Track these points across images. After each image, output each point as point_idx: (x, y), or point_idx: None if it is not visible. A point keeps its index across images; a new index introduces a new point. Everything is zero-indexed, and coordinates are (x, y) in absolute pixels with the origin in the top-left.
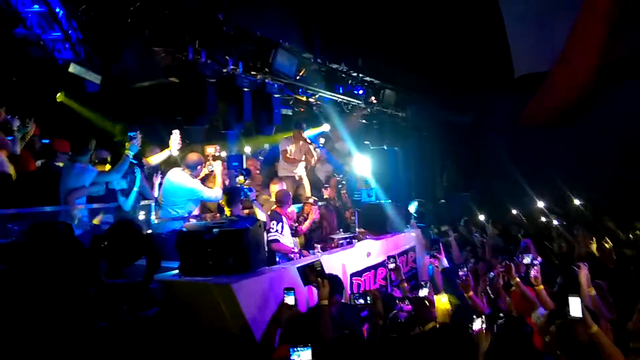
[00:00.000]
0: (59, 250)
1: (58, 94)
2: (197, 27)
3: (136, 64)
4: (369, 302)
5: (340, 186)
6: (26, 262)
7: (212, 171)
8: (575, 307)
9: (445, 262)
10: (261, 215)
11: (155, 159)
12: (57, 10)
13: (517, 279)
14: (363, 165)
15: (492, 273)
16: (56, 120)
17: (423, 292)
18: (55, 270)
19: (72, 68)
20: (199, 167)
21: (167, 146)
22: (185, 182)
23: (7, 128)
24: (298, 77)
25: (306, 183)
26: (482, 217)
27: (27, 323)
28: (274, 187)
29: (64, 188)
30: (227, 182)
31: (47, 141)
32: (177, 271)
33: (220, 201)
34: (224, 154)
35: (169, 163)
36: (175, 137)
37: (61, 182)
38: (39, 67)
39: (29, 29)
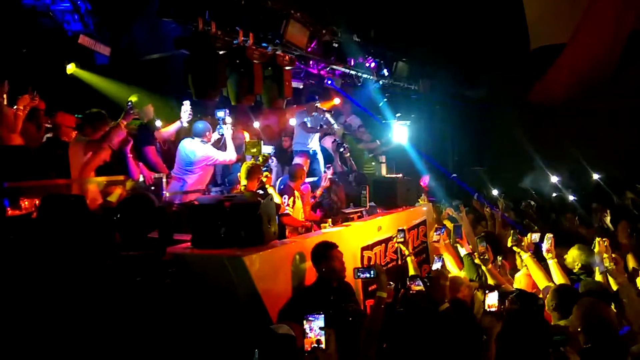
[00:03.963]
0: (72, 222)
1: (69, 66)
2: None
3: (146, 36)
4: (373, 275)
5: (342, 150)
6: (38, 234)
7: (223, 135)
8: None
9: (467, 248)
10: (275, 198)
11: (166, 131)
12: None
13: (529, 253)
14: (401, 135)
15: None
16: (65, 93)
17: (436, 265)
18: (68, 242)
19: (82, 39)
20: (207, 132)
21: (178, 118)
22: (196, 148)
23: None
24: (309, 49)
25: (320, 157)
26: (495, 192)
27: (39, 294)
28: (299, 160)
29: (74, 164)
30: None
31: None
32: (189, 244)
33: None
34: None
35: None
36: (186, 108)
37: (70, 158)
38: (48, 37)
39: None
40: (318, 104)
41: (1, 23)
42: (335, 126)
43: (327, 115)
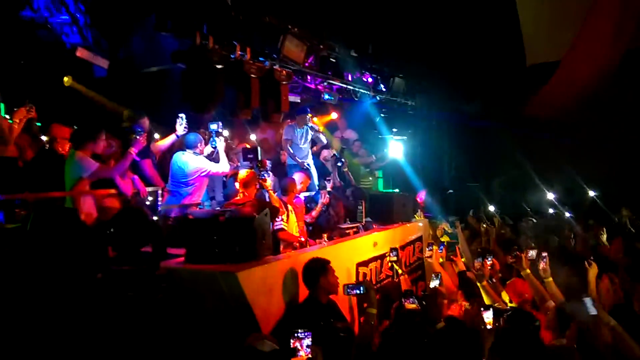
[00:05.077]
0: (64, 235)
1: (65, 78)
2: (205, 12)
3: (144, 49)
4: (362, 292)
5: (339, 164)
6: (32, 246)
7: (216, 147)
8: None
9: (461, 265)
10: (275, 199)
11: (162, 143)
12: None
13: (528, 271)
14: (396, 150)
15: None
16: (62, 105)
17: (434, 283)
18: (61, 255)
19: (80, 52)
20: (199, 144)
21: (174, 131)
22: (189, 160)
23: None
24: (307, 64)
25: (313, 171)
26: (491, 208)
27: (32, 306)
28: (295, 175)
29: (68, 178)
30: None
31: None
32: (182, 258)
33: (235, 184)
34: (226, 132)
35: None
36: (181, 121)
37: (65, 170)
38: (47, 50)
39: (35, 11)
40: (309, 117)
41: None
42: (324, 139)
43: (317, 129)
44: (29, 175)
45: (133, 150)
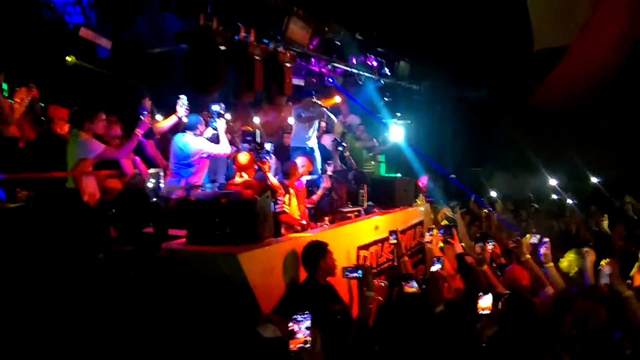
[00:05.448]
0: (67, 215)
1: (68, 58)
2: None
3: (147, 30)
4: (360, 275)
5: (341, 149)
6: (34, 226)
7: (216, 129)
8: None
9: (459, 248)
10: (273, 181)
11: (163, 125)
12: None
13: (528, 256)
14: (397, 134)
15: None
16: (65, 86)
17: (435, 267)
18: (63, 235)
19: (83, 32)
20: (199, 125)
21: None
22: (189, 141)
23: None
24: (311, 47)
25: (317, 154)
26: (493, 194)
27: (34, 287)
28: (299, 160)
29: (71, 159)
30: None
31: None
32: (184, 239)
33: (235, 165)
34: (228, 116)
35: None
36: (182, 102)
37: (67, 151)
38: (49, 30)
39: None
40: (314, 99)
41: (2, 13)
42: (335, 120)
43: (325, 109)
44: (30, 156)
45: (139, 132)
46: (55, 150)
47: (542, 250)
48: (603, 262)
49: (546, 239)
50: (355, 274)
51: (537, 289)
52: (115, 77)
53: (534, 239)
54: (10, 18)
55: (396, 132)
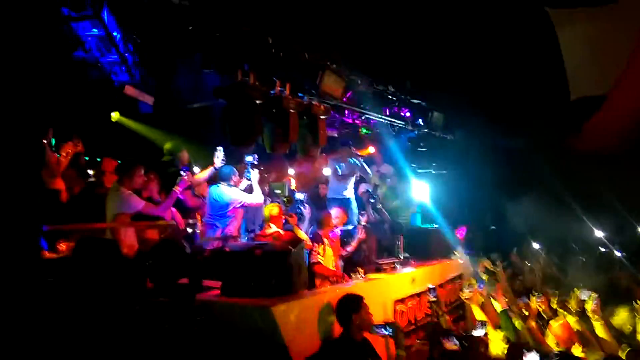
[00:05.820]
0: (104, 266)
1: (113, 114)
2: (247, 50)
3: (188, 86)
4: (390, 334)
5: (373, 201)
6: (73, 277)
7: (250, 179)
8: None
9: (503, 303)
10: (301, 234)
11: (201, 176)
12: (115, 34)
13: (576, 317)
14: (421, 191)
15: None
16: (109, 141)
17: (478, 332)
18: (100, 286)
19: (127, 90)
20: (233, 176)
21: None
22: (224, 192)
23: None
24: (344, 99)
25: (354, 205)
26: (536, 246)
27: (71, 336)
28: (334, 211)
29: (110, 212)
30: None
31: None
32: (218, 291)
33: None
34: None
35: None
36: (219, 154)
37: (107, 205)
38: (96, 88)
39: (87, 51)
40: (353, 149)
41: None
42: (370, 173)
43: (362, 160)
44: (73, 208)
45: (178, 190)
46: (97, 204)
47: (592, 306)
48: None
49: (595, 295)
50: (383, 331)
51: (586, 347)
52: (156, 132)
53: (583, 295)
54: (59, 76)
55: (420, 189)
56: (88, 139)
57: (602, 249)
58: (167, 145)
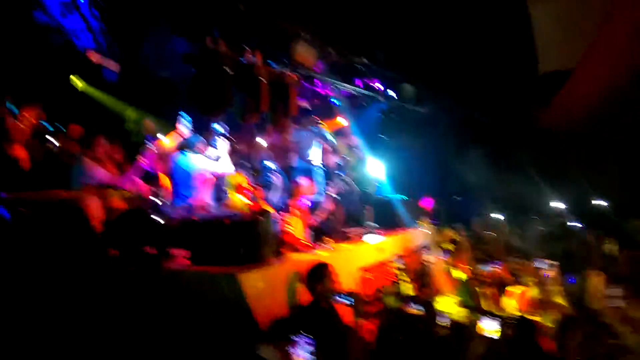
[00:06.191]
0: (69, 234)
1: (74, 79)
2: (217, 17)
3: (156, 54)
4: (351, 302)
5: (341, 172)
6: (35, 245)
7: (219, 149)
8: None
9: (465, 273)
10: (268, 208)
11: (170, 146)
12: None
13: (535, 279)
14: (376, 168)
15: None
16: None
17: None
18: (64, 254)
19: (91, 56)
20: (200, 145)
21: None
22: (191, 161)
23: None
24: (317, 69)
25: (320, 174)
26: (498, 216)
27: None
28: (303, 181)
29: (74, 181)
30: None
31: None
32: (186, 260)
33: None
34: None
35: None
36: (184, 121)
37: (71, 174)
38: (58, 53)
39: (49, 15)
40: (315, 118)
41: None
42: (334, 141)
43: (323, 130)
44: (35, 176)
45: (143, 160)
46: (62, 172)
47: (549, 273)
48: (610, 286)
49: (553, 262)
50: (345, 300)
51: (544, 312)
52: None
53: (541, 263)
54: (17, 41)
55: (375, 167)
56: (50, 106)
57: (562, 220)
58: (130, 114)
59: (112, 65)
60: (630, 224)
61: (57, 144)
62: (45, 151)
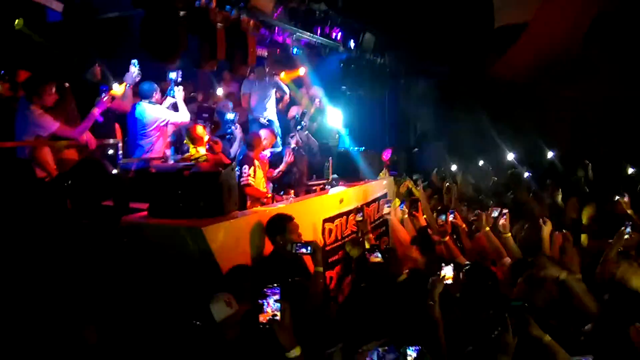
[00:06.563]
0: (20, 187)
1: (16, 21)
2: None
3: None
4: (309, 251)
5: (299, 128)
6: None
7: (175, 97)
8: None
9: (422, 221)
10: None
11: (115, 93)
12: None
13: (488, 228)
14: (335, 117)
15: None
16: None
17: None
18: (16, 208)
19: None
20: (154, 93)
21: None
22: (146, 110)
23: None
24: (275, 16)
25: (276, 126)
26: (454, 167)
27: None
28: (263, 133)
29: (22, 133)
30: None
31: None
32: (145, 213)
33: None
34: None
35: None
36: (133, 69)
37: (18, 123)
38: None
39: None
40: (267, 69)
41: None
42: (287, 91)
43: (277, 79)
44: None
45: (96, 111)
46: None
47: (500, 221)
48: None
49: (505, 211)
50: (304, 250)
51: (497, 260)
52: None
53: (495, 212)
54: None
55: (334, 116)
56: None
57: (513, 170)
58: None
59: (56, 5)
60: (575, 174)
61: (10, 90)
62: None
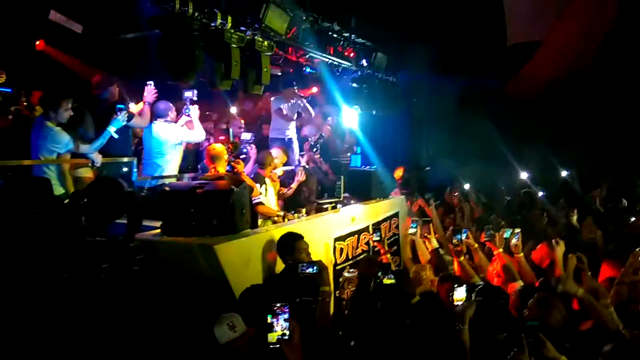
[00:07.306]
0: (37, 205)
1: (37, 42)
2: None
3: (120, 14)
4: (315, 271)
5: (314, 150)
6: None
7: (190, 116)
8: None
9: (435, 243)
10: (249, 182)
11: (134, 109)
12: None
13: (500, 250)
14: (350, 118)
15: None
16: (34, 71)
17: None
18: (32, 226)
19: (53, 15)
20: (169, 112)
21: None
22: (162, 129)
23: None
24: (289, 36)
25: (296, 145)
26: (467, 186)
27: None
28: (275, 151)
29: (38, 149)
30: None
31: (8, 90)
32: (158, 230)
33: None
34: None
35: None
36: (150, 89)
37: (33, 141)
38: (19, 14)
39: None
40: (296, 90)
41: None
42: (313, 113)
43: (305, 101)
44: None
45: (112, 129)
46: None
47: (513, 241)
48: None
49: (517, 230)
50: (310, 270)
51: (508, 279)
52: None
53: (507, 233)
54: None
55: (349, 116)
56: (11, 70)
57: (527, 189)
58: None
59: (76, 27)
60: (588, 194)
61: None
62: (10, 117)
